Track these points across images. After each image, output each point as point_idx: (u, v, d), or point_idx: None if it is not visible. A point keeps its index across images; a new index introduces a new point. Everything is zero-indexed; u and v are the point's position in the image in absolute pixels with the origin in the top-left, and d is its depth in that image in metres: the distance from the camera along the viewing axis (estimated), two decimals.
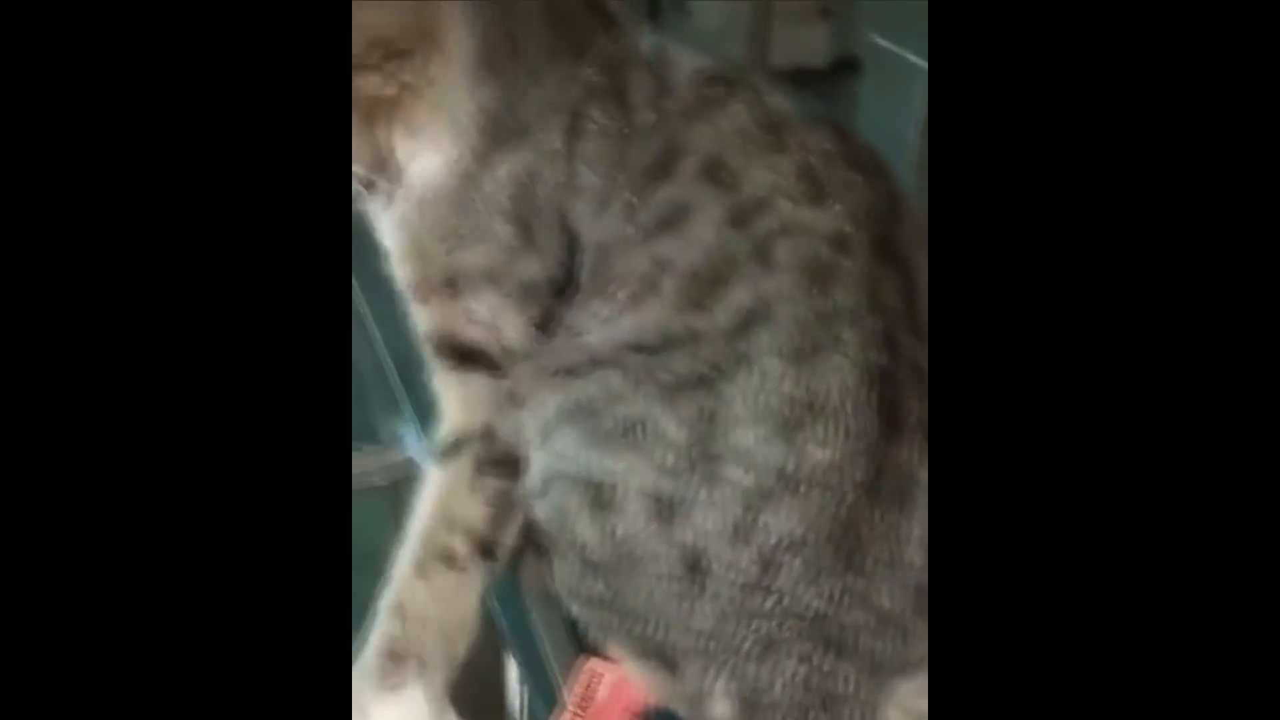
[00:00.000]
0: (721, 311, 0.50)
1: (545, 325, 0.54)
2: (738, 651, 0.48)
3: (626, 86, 0.57)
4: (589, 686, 0.53)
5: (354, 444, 1.00)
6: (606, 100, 0.56)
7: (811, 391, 0.48)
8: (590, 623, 0.54)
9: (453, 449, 0.56)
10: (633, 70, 0.57)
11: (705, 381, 0.49)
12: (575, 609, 0.54)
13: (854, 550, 0.48)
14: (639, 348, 0.51)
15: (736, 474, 0.48)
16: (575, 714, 0.52)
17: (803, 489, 0.47)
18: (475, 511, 0.54)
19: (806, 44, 2.60)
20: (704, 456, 0.48)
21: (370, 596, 1.34)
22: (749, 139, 0.55)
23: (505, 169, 0.53)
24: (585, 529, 0.51)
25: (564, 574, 0.53)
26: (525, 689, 0.60)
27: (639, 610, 0.50)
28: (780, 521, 0.48)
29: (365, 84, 0.50)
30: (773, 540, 0.48)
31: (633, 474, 0.49)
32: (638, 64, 0.58)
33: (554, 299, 0.55)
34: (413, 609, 0.54)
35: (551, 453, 0.52)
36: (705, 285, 0.51)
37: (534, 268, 0.54)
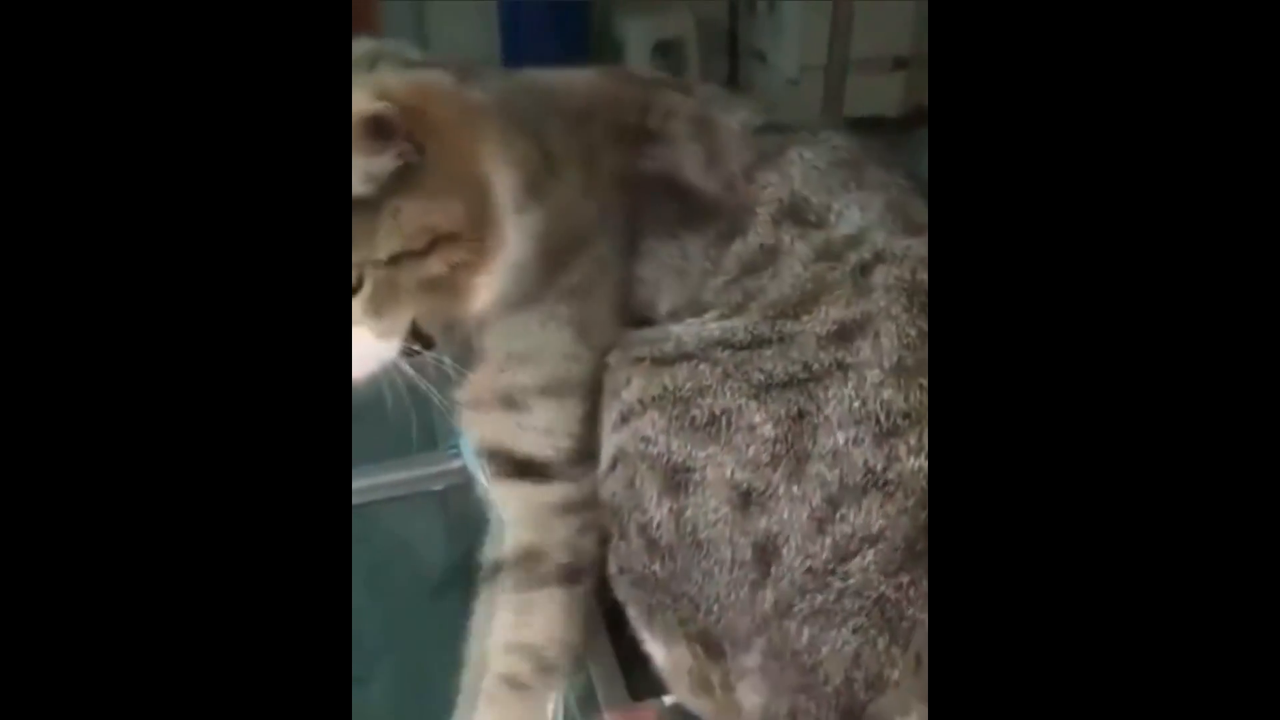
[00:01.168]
0: (815, 323, 0.52)
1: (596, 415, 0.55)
2: (787, 617, 0.49)
3: (679, 164, 0.57)
4: None
5: (412, 450, 1.03)
6: (658, 185, 0.57)
7: (910, 401, 0.49)
8: (639, 603, 0.55)
9: (509, 567, 0.56)
10: (679, 145, 0.58)
11: (797, 382, 0.50)
12: (625, 589, 0.55)
13: (926, 554, 0.48)
14: (728, 345, 0.52)
15: (823, 471, 0.49)
16: None
17: (889, 489, 0.48)
18: (533, 630, 0.54)
19: (882, 94, 2.62)
20: (791, 453, 0.49)
21: (416, 593, 1.36)
22: (825, 176, 0.56)
23: (561, 284, 0.54)
24: (654, 509, 0.52)
25: (623, 552, 0.54)
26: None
27: (695, 593, 0.51)
28: (862, 517, 0.48)
29: (420, 270, 0.49)
30: (851, 533, 0.48)
31: (715, 463, 0.50)
32: (681, 139, 0.58)
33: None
34: None
35: (629, 434, 0.52)
36: (796, 306, 0.53)
37: (589, 368, 0.55)
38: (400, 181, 0.49)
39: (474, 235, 0.51)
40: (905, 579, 0.48)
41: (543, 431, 0.55)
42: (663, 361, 0.53)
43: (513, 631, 0.55)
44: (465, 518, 1.02)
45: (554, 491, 0.55)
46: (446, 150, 0.50)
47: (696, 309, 0.56)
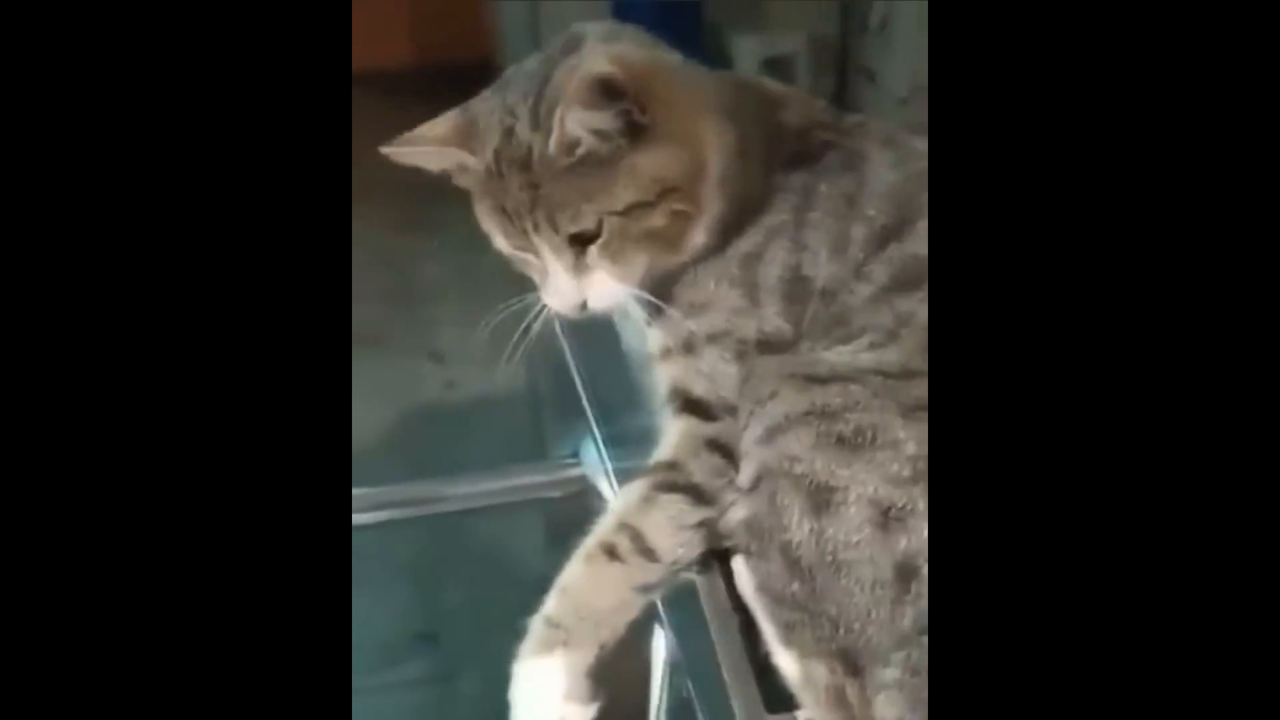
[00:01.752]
0: None
1: (748, 380, 0.59)
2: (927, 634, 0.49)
3: (867, 156, 0.61)
4: None
5: (539, 458, 1.05)
6: (834, 170, 0.60)
7: None
8: (776, 620, 0.55)
9: (649, 470, 0.61)
10: (869, 146, 0.61)
11: None
12: (766, 607, 0.56)
13: None
14: (881, 373, 0.54)
15: None
16: None
17: None
18: (646, 520, 0.58)
19: None
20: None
21: (510, 597, 1.39)
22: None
23: (736, 247, 0.60)
24: (796, 529, 0.53)
25: (762, 572, 0.55)
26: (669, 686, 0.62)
27: (834, 613, 0.52)
28: None
29: (648, 219, 0.56)
30: None
31: (858, 480, 0.51)
32: (873, 142, 0.62)
33: (765, 355, 0.59)
34: (571, 589, 0.58)
35: (774, 452, 0.54)
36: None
37: (752, 326, 0.59)
38: (634, 140, 0.55)
39: (692, 190, 0.57)
40: None
41: (708, 376, 0.60)
42: (814, 379, 0.55)
43: (628, 513, 0.59)
44: (570, 527, 1.03)
45: (711, 428, 0.59)
46: (670, 115, 0.56)
47: (842, 323, 0.58)
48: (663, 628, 0.59)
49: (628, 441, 0.68)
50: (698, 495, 0.58)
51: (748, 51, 2.69)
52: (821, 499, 0.52)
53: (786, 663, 0.56)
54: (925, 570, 0.50)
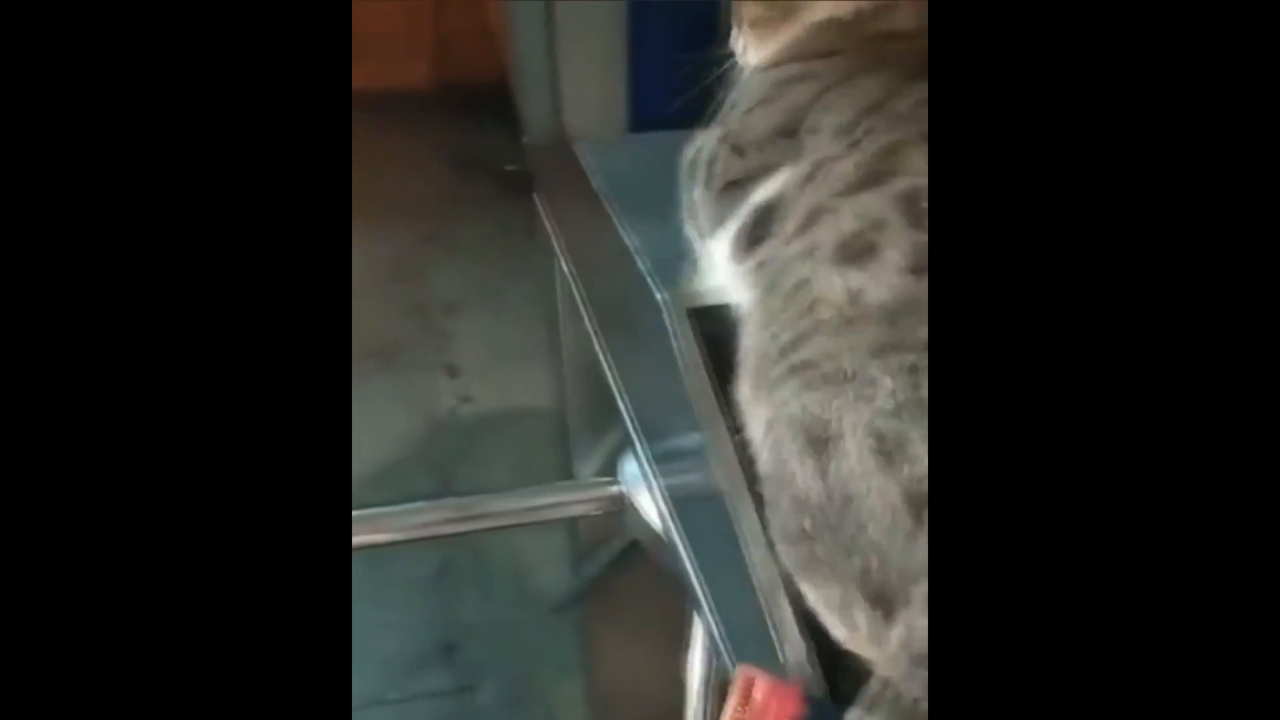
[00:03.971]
0: (908, 334, 0.53)
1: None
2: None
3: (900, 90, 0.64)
4: (746, 693, 0.53)
5: (561, 473, 1.08)
6: (831, 96, 0.66)
7: None
8: (799, 561, 0.56)
9: None
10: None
11: (906, 345, 0.52)
12: (786, 552, 0.56)
13: None
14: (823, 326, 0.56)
15: None
16: (735, 718, 0.52)
17: None
18: None
19: None
20: (916, 402, 0.51)
21: (531, 612, 1.40)
22: None
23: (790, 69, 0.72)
24: (800, 471, 0.53)
25: (777, 521, 0.56)
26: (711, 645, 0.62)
27: (856, 547, 0.52)
28: None
29: (755, 9, 0.74)
30: None
31: (849, 415, 0.52)
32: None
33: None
34: None
35: (774, 403, 0.56)
36: (894, 316, 0.54)
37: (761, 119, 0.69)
38: None
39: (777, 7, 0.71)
40: None
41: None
42: (788, 347, 0.57)
43: None
44: (596, 543, 1.06)
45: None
46: None
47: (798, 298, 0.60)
48: (699, 613, 0.61)
49: (672, 459, 0.71)
50: None
51: None
52: (819, 436, 0.53)
53: (819, 600, 0.56)
54: None
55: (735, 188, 0.67)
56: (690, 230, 0.72)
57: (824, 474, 0.52)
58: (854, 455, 0.52)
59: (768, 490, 0.56)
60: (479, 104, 2.95)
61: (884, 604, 0.52)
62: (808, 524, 0.53)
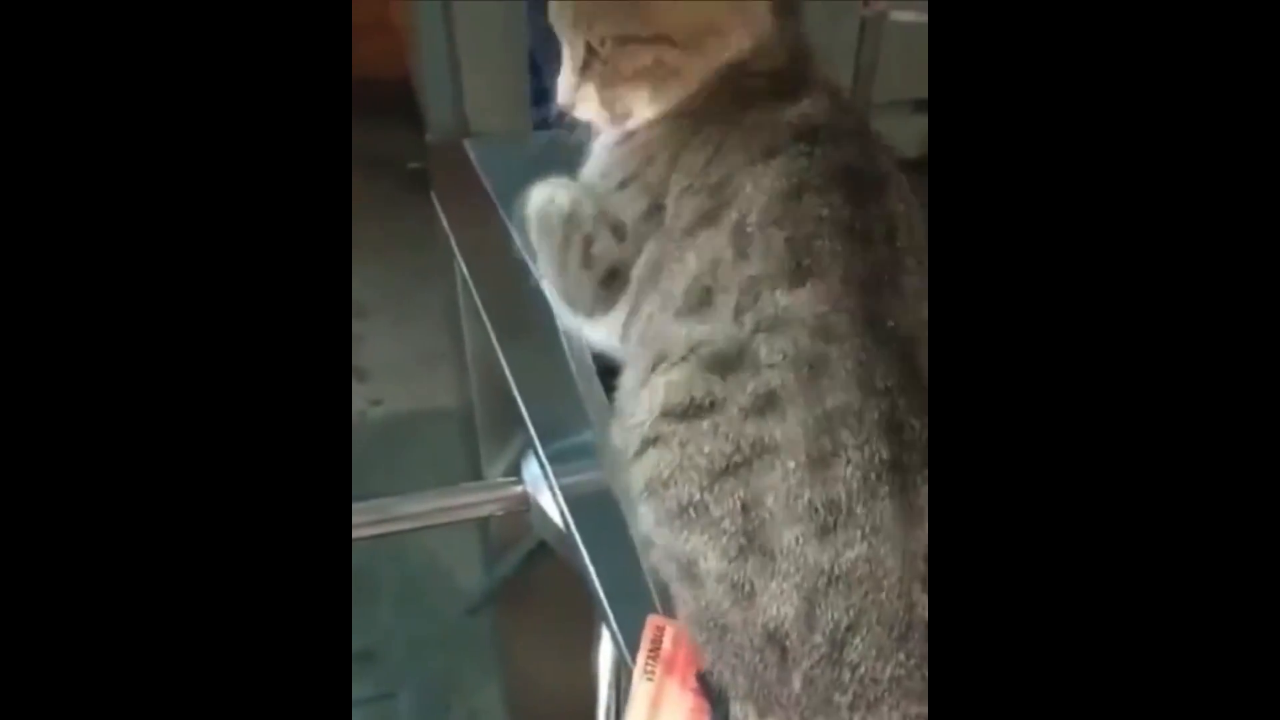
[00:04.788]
0: (738, 390, 0.51)
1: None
2: (832, 709, 0.50)
3: (778, 138, 0.58)
4: (655, 640, 0.55)
5: (471, 475, 1.07)
6: (756, 138, 0.58)
7: (830, 497, 0.49)
8: (706, 663, 0.55)
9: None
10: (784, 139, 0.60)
11: (733, 466, 0.51)
12: (695, 634, 0.56)
13: (910, 624, 0.49)
14: (671, 414, 0.53)
15: (789, 570, 0.50)
16: (646, 668, 0.54)
17: (844, 585, 0.49)
18: None
19: (900, 137, 2.67)
20: (757, 549, 0.50)
21: (448, 614, 1.38)
22: (773, 203, 0.55)
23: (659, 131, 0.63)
24: (678, 591, 0.54)
25: (680, 610, 0.55)
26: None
27: (733, 664, 0.53)
28: (837, 612, 0.49)
29: (637, 58, 0.60)
30: (834, 626, 0.49)
31: (704, 555, 0.51)
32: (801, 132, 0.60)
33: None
34: None
35: (641, 522, 0.55)
36: (722, 365, 0.53)
37: (624, 202, 0.62)
38: None
39: (683, 53, 0.60)
40: (901, 655, 0.50)
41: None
42: (635, 456, 0.55)
43: None
44: (506, 543, 1.06)
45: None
46: None
47: (647, 338, 0.59)
48: (609, 627, 0.62)
49: (571, 458, 0.71)
50: None
51: None
52: (686, 569, 0.53)
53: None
54: (789, 644, 0.50)
55: (618, 276, 0.63)
56: (559, 299, 0.67)
57: (697, 600, 0.53)
58: (714, 593, 0.52)
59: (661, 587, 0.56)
60: (381, 101, 2.90)
61: (762, 715, 0.53)
62: (702, 638, 0.54)
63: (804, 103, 0.60)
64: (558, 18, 0.62)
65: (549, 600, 0.96)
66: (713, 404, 0.52)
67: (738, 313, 0.53)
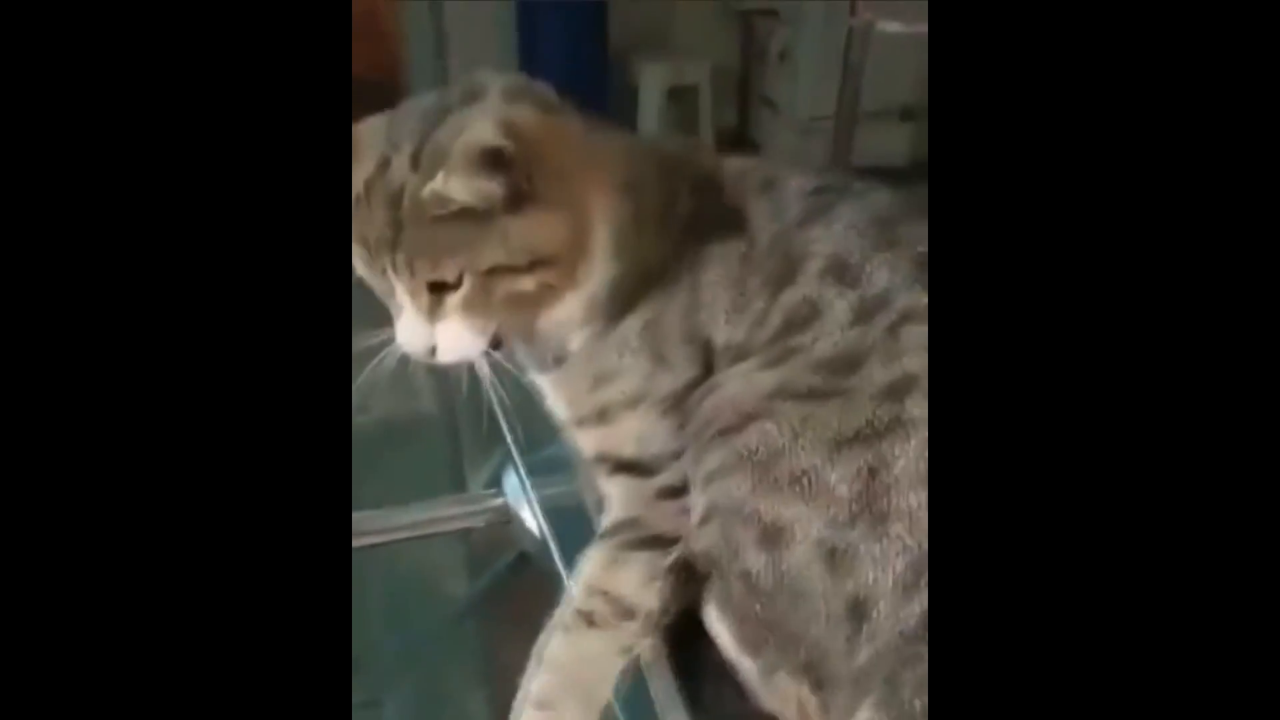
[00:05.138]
0: (861, 381, 0.53)
1: (687, 424, 0.59)
2: (894, 688, 0.50)
3: (748, 212, 0.61)
4: None
5: (453, 486, 1.07)
6: (726, 230, 0.61)
7: None
8: (743, 638, 0.56)
9: (608, 533, 0.61)
10: (749, 198, 0.63)
11: (863, 438, 0.52)
12: (729, 625, 0.57)
13: None
14: (787, 394, 0.54)
15: (903, 533, 0.50)
16: None
17: None
18: (617, 580, 0.58)
19: (889, 145, 2.70)
20: (871, 513, 0.51)
21: (433, 623, 1.39)
22: (862, 235, 0.58)
23: (633, 319, 0.59)
24: (753, 560, 0.54)
25: (723, 593, 0.56)
26: None
27: (797, 634, 0.53)
28: None
29: (513, 284, 0.56)
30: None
31: (803, 522, 0.52)
32: (753, 192, 0.63)
33: (694, 395, 0.59)
34: (555, 665, 0.57)
35: (719, 491, 0.55)
36: (839, 365, 0.54)
37: (668, 383, 0.59)
38: (512, 205, 0.54)
39: (567, 264, 0.57)
40: None
41: (635, 439, 0.60)
42: (731, 430, 0.56)
43: (599, 578, 0.59)
44: (489, 553, 1.06)
45: (654, 482, 0.60)
46: (559, 187, 0.56)
47: (744, 353, 0.59)
48: None
49: (549, 470, 0.72)
50: (663, 542, 0.59)
51: (652, 80, 2.75)
52: (772, 535, 0.53)
53: (749, 667, 0.56)
54: (874, 614, 0.51)
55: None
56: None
57: (775, 566, 0.53)
58: (804, 558, 0.52)
59: (714, 566, 0.56)
60: (368, 102, 2.88)
61: (819, 687, 0.53)
62: (759, 609, 0.54)
63: (761, 199, 0.62)
64: (370, 268, 0.57)
65: (533, 607, 0.96)
66: (838, 391, 0.54)
67: (859, 319, 0.56)
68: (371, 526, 0.81)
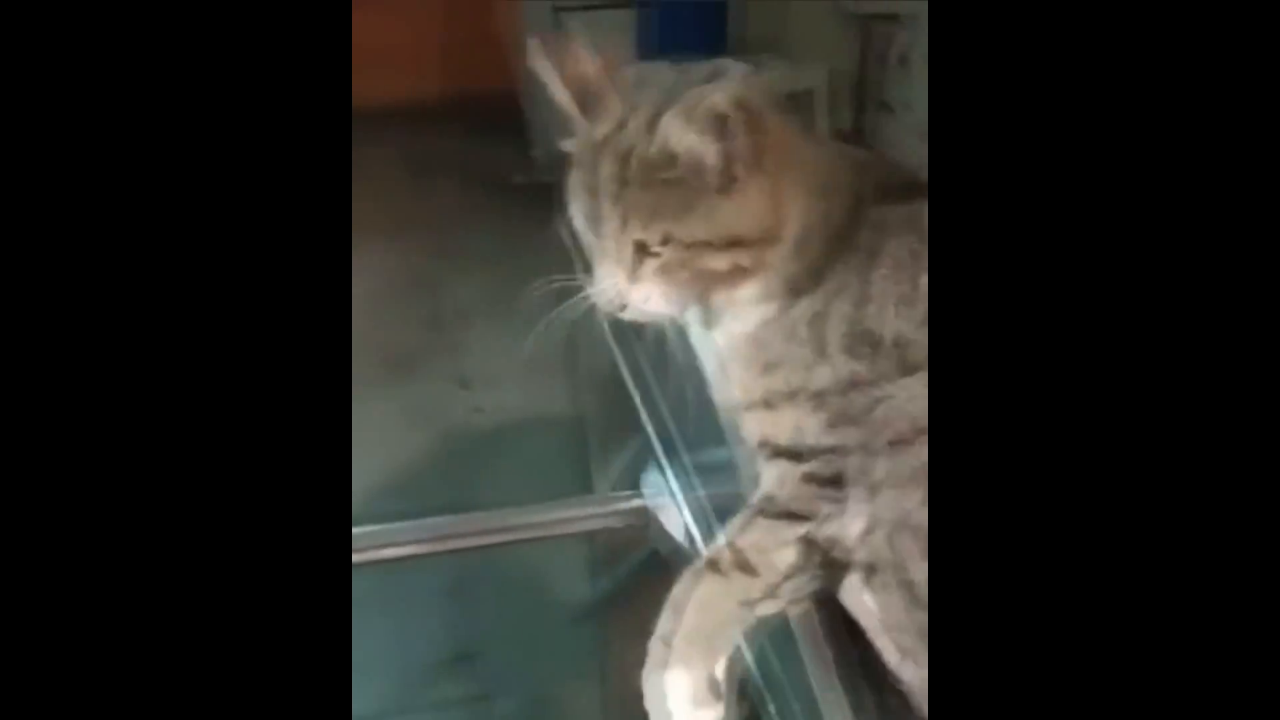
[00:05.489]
0: None
1: (839, 423, 0.62)
2: None
3: (921, 216, 0.62)
4: None
5: (579, 486, 1.08)
6: (900, 229, 0.62)
7: None
8: (907, 649, 0.58)
9: (753, 504, 0.64)
10: (916, 198, 0.63)
11: None
12: (897, 637, 0.59)
13: None
14: None
15: None
16: None
17: None
18: (745, 538, 0.62)
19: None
20: None
21: (551, 624, 1.41)
22: None
23: (804, 307, 0.62)
24: (917, 571, 0.55)
25: (885, 603, 0.59)
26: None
27: None
28: None
29: (709, 260, 0.60)
30: None
31: None
32: (917, 190, 0.64)
33: (850, 395, 0.62)
34: (679, 605, 0.61)
35: (888, 503, 0.57)
36: None
37: (824, 377, 0.62)
38: (725, 183, 0.58)
39: (758, 251, 0.61)
40: None
41: (792, 428, 0.63)
42: (903, 442, 0.57)
43: (731, 533, 0.62)
44: (615, 552, 1.06)
45: (804, 467, 0.63)
46: (767, 178, 0.60)
47: (914, 353, 0.60)
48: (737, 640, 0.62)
49: (698, 471, 0.71)
50: (793, 516, 0.62)
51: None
52: None
53: (913, 673, 0.58)
54: None
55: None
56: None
57: None
58: None
59: (877, 574, 0.59)
60: (488, 116, 2.96)
61: None
62: (921, 620, 0.56)
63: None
64: (591, 219, 0.61)
65: (656, 612, 0.95)
66: None
67: None
68: (498, 525, 0.82)
